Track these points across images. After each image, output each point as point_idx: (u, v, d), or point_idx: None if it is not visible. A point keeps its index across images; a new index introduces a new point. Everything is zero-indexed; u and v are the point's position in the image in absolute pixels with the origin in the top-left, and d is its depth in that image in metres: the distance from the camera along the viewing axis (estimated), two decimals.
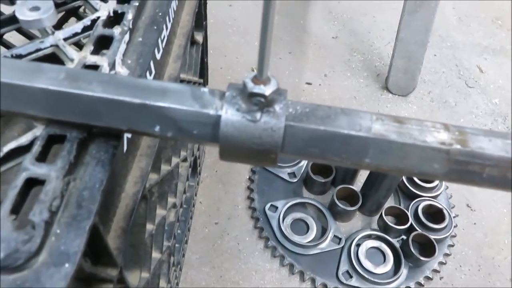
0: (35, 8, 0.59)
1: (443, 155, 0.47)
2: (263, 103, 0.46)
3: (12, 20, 0.72)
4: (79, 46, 0.69)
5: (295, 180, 1.61)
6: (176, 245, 1.23)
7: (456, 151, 0.47)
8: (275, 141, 0.47)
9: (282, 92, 0.48)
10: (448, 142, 0.47)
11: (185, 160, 1.16)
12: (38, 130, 0.52)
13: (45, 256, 0.44)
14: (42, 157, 0.50)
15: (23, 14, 0.59)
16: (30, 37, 1.20)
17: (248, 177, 1.63)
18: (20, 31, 1.17)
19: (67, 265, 0.43)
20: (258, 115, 0.46)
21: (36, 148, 0.50)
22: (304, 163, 1.65)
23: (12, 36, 1.03)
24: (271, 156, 0.48)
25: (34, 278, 0.42)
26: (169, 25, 0.82)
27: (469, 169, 0.47)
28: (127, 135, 0.62)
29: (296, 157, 0.50)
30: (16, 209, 0.46)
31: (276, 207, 1.52)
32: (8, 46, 0.97)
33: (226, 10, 2.33)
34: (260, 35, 0.42)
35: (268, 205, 1.52)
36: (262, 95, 0.45)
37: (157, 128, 0.49)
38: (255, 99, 0.46)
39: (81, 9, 1.26)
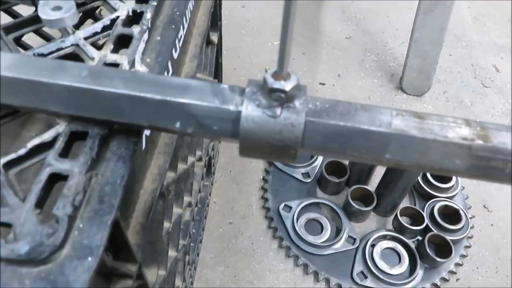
0: (57, 8, 0.60)
1: (464, 151, 0.47)
2: (283, 99, 0.46)
3: (35, 20, 0.73)
4: (98, 46, 0.70)
5: (309, 180, 1.60)
6: (191, 244, 1.23)
7: (478, 147, 0.46)
8: (295, 137, 0.47)
9: (302, 88, 0.49)
10: (470, 137, 0.47)
11: (200, 159, 1.16)
12: (61, 127, 0.53)
13: (69, 250, 0.45)
14: (64, 153, 0.51)
15: (46, 13, 0.60)
16: (48, 39, 1.22)
17: (262, 177, 1.63)
18: (39, 33, 1.20)
19: (90, 258, 0.44)
20: (278, 110, 0.46)
21: (59, 144, 0.51)
22: (318, 163, 1.64)
23: (29, 39, 1.06)
24: (291, 151, 0.48)
25: (58, 270, 0.43)
26: (185, 25, 0.83)
27: (491, 165, 0.47)
28: (145, 133, 0.63)
29: (316, 152, 0.50)
30: (40, 204, 0.47)
31: (290, 207, 1.51)
32: (26, 47, 0.99)
33: (240, 11, 2.34)
34: (281, 30, 0.43)
35: (282, 205, 1.52)
36: (283, 91, 0.45)
37: (177, 124, 0.49)
38: (275, 94, 0.46)
39: (97, 11, 1.28)
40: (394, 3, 2.43)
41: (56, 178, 0.49)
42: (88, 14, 1.20)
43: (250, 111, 0.47)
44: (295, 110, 0.47)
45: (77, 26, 0.67)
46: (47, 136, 0.53)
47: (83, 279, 0.43)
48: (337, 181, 1.54)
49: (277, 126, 0.47)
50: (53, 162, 0.49)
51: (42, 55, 0.65)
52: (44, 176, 0.48)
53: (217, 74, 1.35)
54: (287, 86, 0.46)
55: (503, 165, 0.47)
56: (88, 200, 0.48)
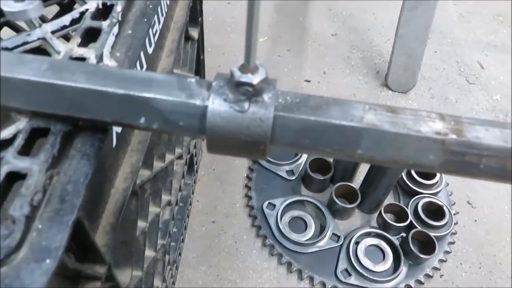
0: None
1: (438, 146, 0.45)
2: (251, 93, 0.44)
3: None
4: (68, 40, 0.68)
5: (293, 178, 1.59)
6: (172, 243, 1.21)
7: (452, 141, 0.45)
8: (264, 132, 0.45)
9: (271, 81, 0.47)
10: (444, 131, 0.45)
11: (180, 157, 1.14)
12: (21, 123, 0.51)
13: (26, 252, 0.42)
14: (25, 151, 0.49)
15: (8, 5, 0.57)
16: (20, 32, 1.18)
17: (246, 175, 1.62)
18: (11, 26, 1.16)
19: (48, 260, 0.42)
20: (246, 105, 0.45)
21: (19, 142, 0.49)
22: (302, 160, 1.63)
23: (8, 34, 1.02)
24: (260, 147, 0.47)
25: (13, 274, 0.41)
26: (161, 19, 0.81)
27: (466, 159, 0.46)
28: (116, 130, 0.60)
29: (287, 148, 0.49)
30: None
31: (274, 205, 1.50)
32: None
33: (225, 8, 2.32)
34: (246, 22, 0.41)
35: (266, 203, 1.50)
36: (250, 84, 0.44)
37: (142, 120, 0.47)
38: (242, 88, 0.44)
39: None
40: (380, 1, 2.42)
41: (15, 177, 0.47)
42: (65, 8, 1.17)
43: (217, 105, 0.45)
44: (264, 104, 0.45)
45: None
46: (6, 133, 0.51)
47: (40, 282, 0.41)
48: (322, 178, 1.53)
49: (245, 121, 0.45)
50: (12, 160, 0.47)
51: (6, 49, 0.62)
52: (2, 175, 0.46)
53: (199, 71, 1.33)
54: (255, 79, 0.44)
55: (477, 160, 0.46)
56: (48, 200, 0.46)
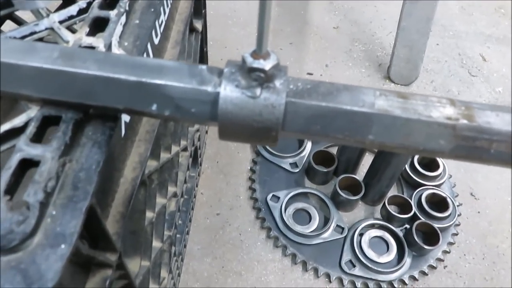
0: None
1: (449, 131, 0.46)
2: (263, 78, 0.44)
3: (7, 4, 0.71)
4: (75, 31, 0.68)
5: (297, 170, 1.60)
6: (178, 235, 1.22)
7: (463, 126, 0.45)
8: (276, 118, 0.45)
9: (282, 68, 0.47)
10: (454, 117, 0.46)
11: (185, 149, 1.14)
12: (33, 112, 0.51)
13: (41, 237, 0.43)
14: (37, 139, 0.49)
15: None
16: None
17: (249, 167, 1.62)
18: (16, 21, 1.16)
19: (63, 246, 0.42)
20: (258, 91, 0.45)
21: (31, 129, 0.49)
22: (306, 153, 1.63)
23: (11, 27, 1.02)
24: (271, 134, 0.47)
25: (29, 259, 0.41)
26: (167, 10, 0.81)
27: (476, 145, 0.46)
28: (125, 120, 0.61)
29: (298, 135, 0.49)
30: (10, 190, 0.45)
31: (278, 197, 1.51)
32: None
33: (226, 1, 2.31)
34: (258, 8, 0.41)
35: (270, 196, 1.51)
36: (262, 70, 0.44)
37: (154, 107, 0.48)
38: (254, 74, 0.44)
39: None
40: None
41: (28, 164, 0.47)
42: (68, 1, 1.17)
43: (229, 92, 0.45)
44: (276, 90, 0.45)
45: None
46: (18, 121, 0.51)
47: (56, 268, 0.41)
48: (325, 170, 1.53)
49: (257, 107, 0.45)
50: (24, 148, 0.47)
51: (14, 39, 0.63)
52: (15, 162, 0.46)
53: (202, 63, 1.32)
54: (267, 65, 0.44)
55: (488, 145, 0.46)
56: (61, 187, 0.46)
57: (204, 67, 0.48)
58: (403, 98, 0.47)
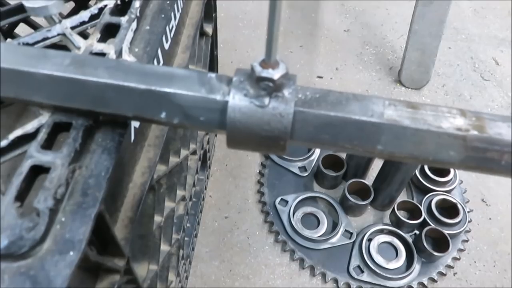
0: None
1: (459, 142, 0.45)
2: (272, 88, 0.44)
3: (19, 10, 0.72)
4: (86, 37, 0.68)
5: (306, 174, 1.59)
6: (186, 238, 1.22)
7: (473, 137, 0.45)
8: (284, 127, 0.45)
9: (291, 77, 0.47)
10: (465, 128, 0.45)
11: (194, 153, 1.15)
12: (44, 118, 0.52)
13: (50, 244, 0.43)
14: (47, 145, 0.50)
15: (30, 1, 0.58)
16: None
17: (258, 171, 1.62)
18: (29, 24, 1.18)
19: (72, 252, 0.43)
20: (266, 100, 0.45)
21: (42, 136, 0.50)
22: (315, 157, 1.63)
23: (23, 31, 1.04)
24: (280, 143, 0.47)
25: (38, 265, 0.42)
26: (177, 15, 0.81)
27: (487, 156, 0.45)
28: (134, 125, 0.61)
29: (306, 144, 0.49)
30: (21, 197, 0.45)
31: (287, 201, 1.50)
32: None
33: (237, 3, 2.31)
34: (268, 15, 0.41)
35: (278, 199, 1.51)
36: (271, 79, 0.44)
37: (163, 115, 0.48)
38: (263, 83, 0.44)
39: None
40: None
41: (39, 171, 0.48)
42: (82, 6, 1.18)
43: (238, 100, 0.45)
44: (284, 99, 0.45)
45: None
46: (30, 127, 0.51)
47: (65, 274, 0.41)
48: (334, 175, 1.53)
49: (265, 116, 0.45)
50: (35, 154, 0.48)
51: (27, 45, 0.63)
52: (25, 168, 0.47)
53: (212, 67, 1.33)
54: (276, 74, 0.44)
55: (499, 156, 0.45)
56: (71, 193, 0.47)
57: (213, 75, 0.48)
58: (413, 108, 0.47)
